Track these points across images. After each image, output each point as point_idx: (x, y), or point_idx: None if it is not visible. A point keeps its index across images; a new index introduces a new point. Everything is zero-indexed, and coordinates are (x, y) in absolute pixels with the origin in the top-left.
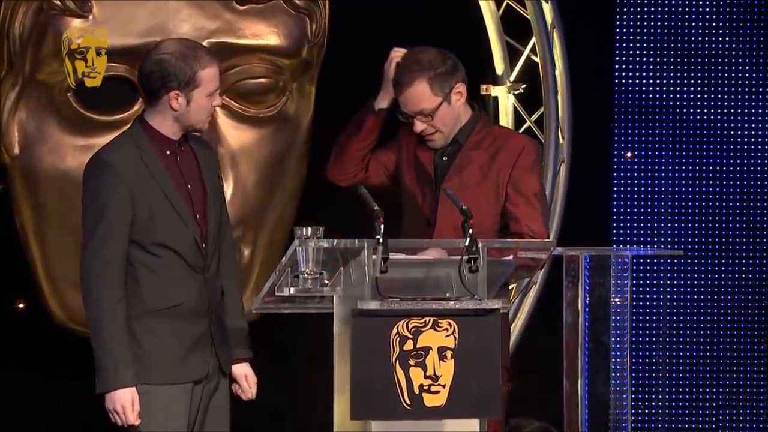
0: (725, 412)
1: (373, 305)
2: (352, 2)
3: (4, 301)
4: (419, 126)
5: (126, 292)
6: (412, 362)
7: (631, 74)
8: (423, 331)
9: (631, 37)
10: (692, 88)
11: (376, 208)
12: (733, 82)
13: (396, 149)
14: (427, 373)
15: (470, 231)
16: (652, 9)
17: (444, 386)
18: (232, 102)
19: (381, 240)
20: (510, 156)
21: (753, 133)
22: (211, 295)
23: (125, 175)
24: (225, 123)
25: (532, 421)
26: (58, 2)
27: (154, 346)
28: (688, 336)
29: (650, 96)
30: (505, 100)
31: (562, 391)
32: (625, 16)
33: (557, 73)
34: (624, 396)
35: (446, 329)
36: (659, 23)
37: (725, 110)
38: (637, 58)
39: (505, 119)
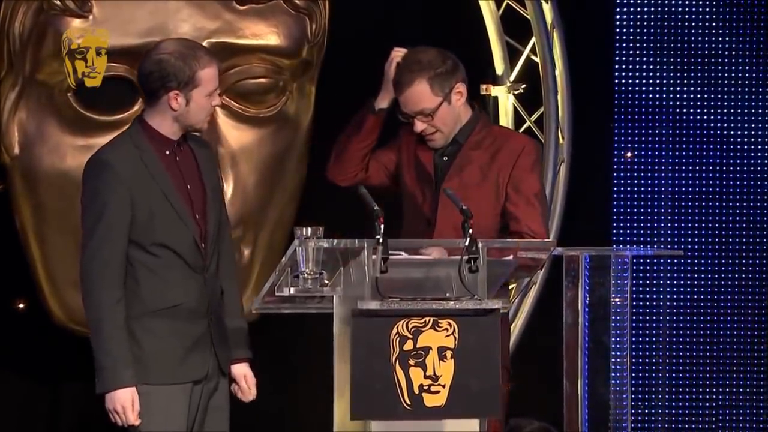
0: (725, 412)
1: (373, 305)
2: (352, 2)
3: (4, 301)
4: (419, 126)
5: (125, 292)
6: (412, 362)
7: (631, 74)
8: (423, 331)
9: (631, 37)
10: (692, 89)
11: (376, 208)
12: (732, 82)
13: (396, 149)
14: (427, 373)
15: (470, 231)
16: (652, 9)
17: (444, 386)
18: (232, 102)
19: (381, 240)
20: (510, 156)
21: (753, 133)
22: (211, 295)
23: (125, 175)
24: (225, 123)
25: (532, 421)
26: (58, 2)
27: (153, 346)
28: (688, 336)
29: (650, 96)
30: (505, 100)
31: (562, 391)
32: (625, 16)
33: (557, 73)
34: (624, 396)
35: (446, 329)
36: (659, 23)
37: (725, 110)
38: (637, 58)
39: (505, 119)
